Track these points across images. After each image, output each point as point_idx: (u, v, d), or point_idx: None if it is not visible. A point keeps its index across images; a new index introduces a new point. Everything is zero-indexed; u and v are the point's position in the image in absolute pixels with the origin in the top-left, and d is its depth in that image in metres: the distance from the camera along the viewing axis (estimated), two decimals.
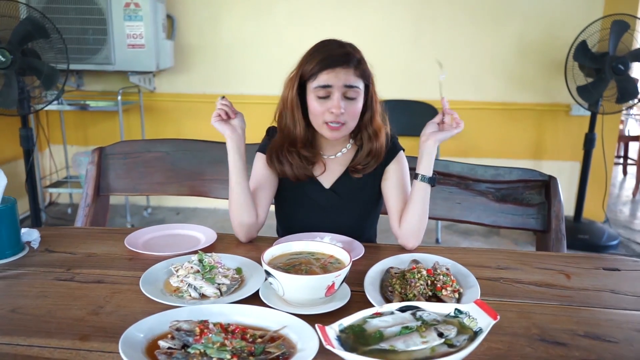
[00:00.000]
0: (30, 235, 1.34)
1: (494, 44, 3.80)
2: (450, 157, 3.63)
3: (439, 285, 1.07)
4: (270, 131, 1.54)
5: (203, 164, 1.94)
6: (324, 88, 1.35)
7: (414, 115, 3.84)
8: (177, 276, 1.09)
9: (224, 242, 1.40)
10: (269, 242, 1.37)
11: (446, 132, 1.38)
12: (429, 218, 1.83)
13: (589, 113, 3.57)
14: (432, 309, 0.93)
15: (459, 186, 1.84)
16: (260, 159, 1.51)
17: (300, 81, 1.40)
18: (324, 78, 1.35)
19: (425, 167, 1.39)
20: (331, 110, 1.36)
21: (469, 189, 1.84)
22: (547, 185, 1.78)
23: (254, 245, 1.39)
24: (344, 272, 1.00)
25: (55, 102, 3.60)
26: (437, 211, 1.82)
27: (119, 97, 3.61)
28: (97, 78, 3.99)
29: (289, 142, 1.45)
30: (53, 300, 1.04)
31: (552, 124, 3.93)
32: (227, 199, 1.74)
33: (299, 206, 1.52)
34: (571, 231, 3.54)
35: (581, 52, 3.36)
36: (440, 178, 1.81)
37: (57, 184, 3.97)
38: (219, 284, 1.07)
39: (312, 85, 1.37)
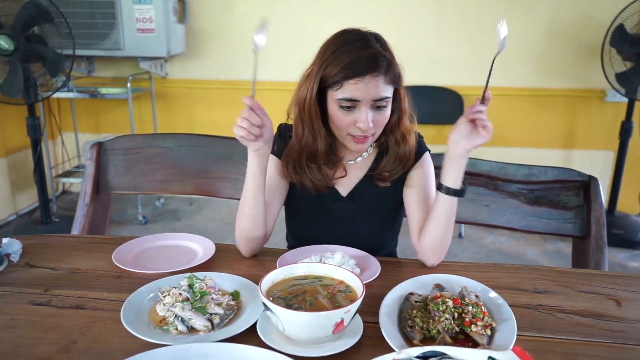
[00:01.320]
0: (11, 246, 1.21)
1: (523, 26, 3.55)
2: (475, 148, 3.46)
3: (467, 320, 0.91)
4: (282, 129, 1.37)
5: (209, 161, 1.79)
6: (350, 101, 1.16)
7: (438, 102, 3.65)
8: (164, 304, 0.95)
9: (224, 256, 1.25)
10: (275, 256, 1.22)
11: (480, 136, 1.14)
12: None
13: (626, 99, 3.32)
14: (460, 356, 0.77)
15: (487, 187, 1.67)
16: (271, 162, 1.32)
17: (320, 85, 1.20)
18: (349, 89, 1.15)
19: (453, 178, 1.18)
20: (358, 124, 1.18)
21: (498, 190, 1.66)
22: (586, 186, 1.60)
23: (257, 261, 1.24)
24: (355, 307, 0.85)
25: (65, 89, 3.49)
26: (462, 214, 1.65)
27: (129, 84, 3.48)
28: (108, 64, 3.86)
29: (308, 156, 1.27)
30: (22, 332, 0.91)
31: (584, 111, 3.68)
32: (235, 198, 1.60)
33: (312, 216, 1.36)
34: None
35: (618, 36, 3.09)
36: (468, 178, 1.65)
37: (69, 173, 3.88)
38: (210, 314, 0.93)
39: (335, 95, 1.18)
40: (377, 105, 1.17)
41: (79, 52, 3.34)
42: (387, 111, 1.21)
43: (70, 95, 3.59)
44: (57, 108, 4.00)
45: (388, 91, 1.18)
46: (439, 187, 1.20)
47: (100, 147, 1.82)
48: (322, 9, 3.58)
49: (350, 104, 1.17)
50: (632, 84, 3.10)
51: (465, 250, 3.28)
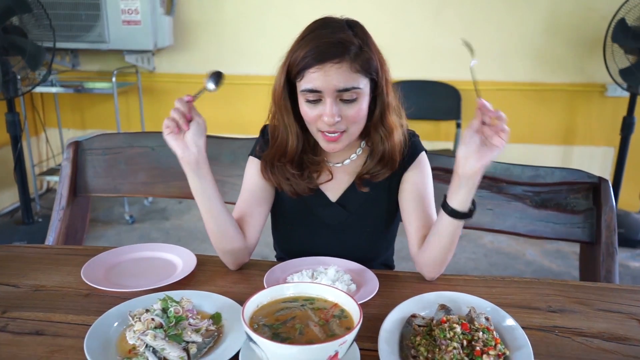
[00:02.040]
0: None
1: (521, 19, 3.45)
2: None
3: (478, 349, 0.80)
4: (265, 130, 1.25)
5: None
6: (312, 92, 1.05)
7: (434, 97, 3.55)
8: (134, 331, 0.83)
9: (206, 269, 1.14)
10: (263, 269, 1.11)
11: (494, 148, 0.97)
12: None
13: (627, 94, 3.23)
14: None
15: (490, 189, 1.57)
16: (252, 165, 1.23)
17: (288, 76, 1.10)
18: (311, 78, 1.03)
19: (461, 200, 1.03)
20: (323, 118, 1.06)
21: (502, 193, 1.56)
22: (596, 188, 1.51)
23: (243, 275, 1.13)
24: (351, 337, 0.74)
25: (49, 83, 3.36)
26: None
27: (114, 78, 3.34)
28: (93, 57, 3.72)
29: (279, 154, 1.16)
30: None
31: (585, 106, 3.59)
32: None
33: (300, 224, 1.24)
34: None
35: (620, 31, 2.99)
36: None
37: (52, 171, 3.74)
38: (187, 343, 0.82)
39: (299, 86, 1.07)
40: (344, 97, 1.05)
41: (62, 45, 3.21)
42: (359, 105, 1.07)
43: (54, 89, 3.46)
44: (40, 103, 3.86)
45: (357, 81, 1.05)
46: (444, 206, 1.06)
47: (77, 146, 1.70)
48: (314, 3, 3.46)
49: (314, 96, 1.05)
50: (636, 78, 3.00)
51: (463, 250, 3.19)
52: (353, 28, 1.07)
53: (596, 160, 3.63)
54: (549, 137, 3.66)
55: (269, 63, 3.77)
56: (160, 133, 1.70)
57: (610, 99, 3.53)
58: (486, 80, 3.56)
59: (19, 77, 2.85)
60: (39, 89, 3.23)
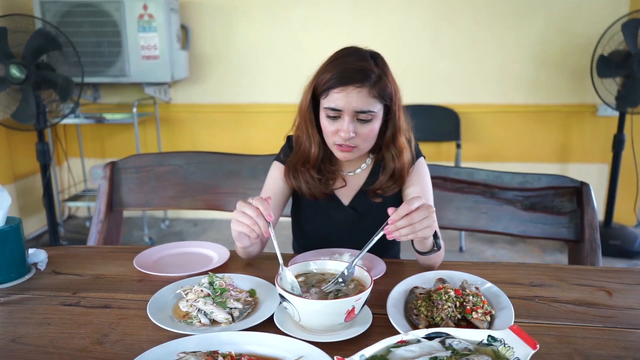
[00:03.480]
0: (37, 256, 1.28)
1: (515, 44, 3.70)
2: (473, 163, 3.55)
3: (468, 307, 0.98)
4: (290, 139, 1.45)
5: (217, 177, 1.87)
6: (333, 110, 1.24)
7: (434, 120, 3.76)
8: (187, 300, 1.02)
9: (238, 261, 1.33)
10: (286, 259, 1.29)
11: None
12: (453, 229, 1.76)
13: (617, 113, 3.43)
14: (462, 335, 0.84)
15: (484, 195, 1.75)
16: (276, 169, 1.43)
17: (314, 93, 1.30)
18: (334, 98, 1.23)
19: (420, 248, 1.18)
20: (340, 133, 1.25)
21: (495, 198, 1.74)
22: (578, 191, 1.68)
23: (270, 265, 1.31)
24: (364, 295, 0.92)
25: (72, 115, 3.59)
26: (461, 221, 1.74)
27: (134, 109, 3.58)
28: (113, 90, 3.98)
29: (302, 161, 1.36)
30: (56, 328, 0.98)
31: (578, 125, 3.79)
32: None
33: (317, 224, 1.44)
34: (602, 237, 3.35)
35: (604, 66, 3.21)
36: (465, 187, 1.73)
37: (75, 198, 3.96)
38: (230, 309, 1.00)
39: (323, 103, 1.27)
40: (360, 117, 1.24)
41: (86, 79, 3.46)
42: (372, 125, 1.26)
43: (77, 121, 3.69)
44: (63, 134, 4.10)
45: (373, 105, 1.23)
46: (412, 245, 1.20)
47: (113, 166, 1.90)
48: (321, 31, 3.72)
49: (334, 114, 1.24)
50: (627, 101, 3.22)
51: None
52: (375, 59, 1.27)
53: (592, 177, 3.81)
54: (546, 155, 3.85)
55: (277, 92, 4.04)
56: (186, 152, 1.92)
57: (601, 118, 3.73)
58: (485, 103, 3.78)
59: (47, 109, 3.09)
60: (63, 121, 3.46)
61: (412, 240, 1.18)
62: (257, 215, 1.02)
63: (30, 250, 1.30)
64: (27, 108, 2.91)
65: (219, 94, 3.96)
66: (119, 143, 4.10)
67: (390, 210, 1.02)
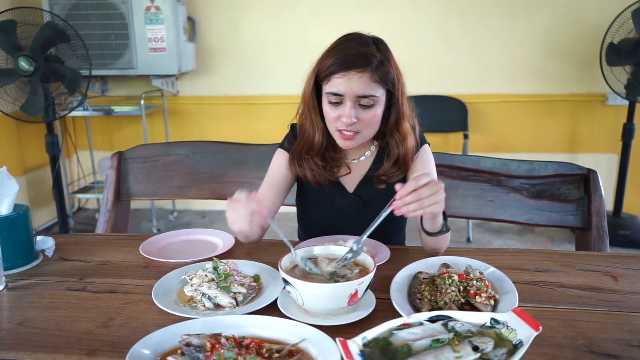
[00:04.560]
0: (45, 243, 1.30)
1: (522, 34, 3.66)
2: (481, 153, 3.52)
3: (472, 292, 0.98)
4: (294, 127, 1.45)
5: (223, 166, 1.88)
6: (335, 95, 1.23)
7: (443, 111, 3.74)
8: (191, 285, 1.03)
9: (242, 247, 1.33)
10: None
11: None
12: (459, 217, 1.75)
13: (626, 102, 3.40)
14: (465, 318, 0.84)
15: (490, 183, 1.74)
16: (280, 156, 1.42)
17: (316, 79, 1.29)
18: (335, 83, 1.22)
19: (429, 227, 1.19)
20: (342, 119, 1.25)
21: (501, 186, 1.73)
22: (586, 179, 1.67)
23: (274, 250, 1.32)
24: (367, 279, 0.93)
25: (81, 108, 3.61)
26: (467, 210, 1.73)
27: (142, 102, 3.60)
28: (121, 83, 4.00)
29: (306, 148, 1.36)
30: (62, 312, 1.00)
31: (587, 115, 3.76)
32: None
33: (322, 211, 1.44)
34: (611, 227, 3.33)
35: (613, 54, 3.17)
36: (471, 175, 1.72)
37: (85, 190, 3.99)
38: (234, 293, 1.01)
39: (325, 89, 1.26)
40: (362, 102, 1.23)
41: (94, 72, 3.47)
42: (374, 111, 1.25)
43: (86, 113, 3.72)
44: (72, 127, 4.13)
45: (375, 90, 1.23)
46: (420, 225, 1.21)
47: (120, 155, 1.91)
48: (328, 22, 3.71)
49: (336, 99, 1.24)
50: (635, 89, 3.18)
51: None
52: (377, 44, 1.27)
53: (601, 167, 3.78)
54: (554, 145, 3.82)
55: (283, 84, 4.04)
56: (193, 142, 1.92)
57: (610, 107, 3.69)
58: (491, 93, 3.75)
59: (56, 102, 3.11)
60: (72, 114, 3.49)
61: (421, 221, 1.18)
62: (251, 212, 0.99)
63: (38, 238, 1.31)
64: (36, 100, 2.93)
65: (226, 86, 3.97)
66: (128, 135, 4.12)
67: (397, 186, 1.01)
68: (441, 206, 1.03)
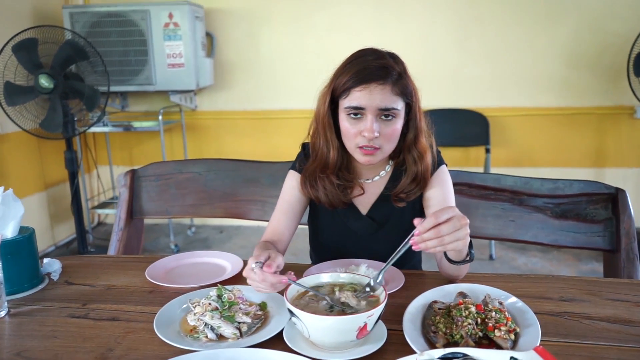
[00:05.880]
0: (52, 266, 1.28)
1: (546, 45, 3.57)
2: (503, 168, 3.44)
3: (490, 325, 0.91)
4: (306, 147, 1.41)
5: (236, 184, 1.85)
6: (356, 109, 1.19)
7: (463, 125, 3.67)
8: (194, 314, 0.98)
9: None
10: (301, 270, 1.25)
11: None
12: (480, 237, 1.68)
13: None
14: (482, 356, 0.78)
15: (512, 202, 1.66)
16: (292, 178, 1.38)
17: (332, 96, 1.25)
18: (356, 96, 1.18)
19: (454, 256, 1.10)
20: (363, 133, 1.19)
21: (523, 205, 1.66)
22: (614, 198, 1.59)
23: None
24: (377, 311, 0.87)
25: (101, 124, 3.65)
26: (488, 230, 1.66)
27: (160, 117, 3.61)
28: (140, 99, 4.03)
29: (321, 167, 1.31)
30: (62, 342, 0.96)
31: (614, 128, 3.64)
32: (263, 220, 1.63)
33: (334, 234, 1.39)
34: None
35: None
36: (492, 194, 1.65)
37: (104, 205, 4.01)
38: (239, 323, 0.96)
39: (343, 104, 1.22)
40: (384, 115, 1.19)
41: (113, 88, 3.51)
42: (395, 125, 1.21)
43: (106, 129, 3.75)
44: (92, 143, 4.17)
45: (396, 103, 1.19)
46: (444, 253, 1.12)
47: (133, 174, 1.90)
48: (345, 37, 3.68)
49: (357, 112, 1.19)
50: None
51: (496, 271, 3.22)
52: (394, 58, 1.23)
53: (629, 182, 3.65)
54: (580, 160, 3.71)
55: (301, 98, 4.01)
56: (206, 159, 1.90)
57: (639, 120, 3.57)
58: (513, 106, 3.67)
59: (75, 118, 3.14)
60: (92, 129, 3.52)
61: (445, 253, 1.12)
62: (272, 285, 0.97)
63: (45, 260, 1.29)
64: (55, 117, 2.96)
65: (245, 100, 3.96)
66: (147, 151, 4.14)
67: (416, 221, 0.95)
68: (465, 243, 0.96)
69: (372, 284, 0.96)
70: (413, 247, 0.95)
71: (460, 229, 0.93)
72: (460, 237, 0.94)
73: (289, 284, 0.95)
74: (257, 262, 0.99)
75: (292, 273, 0.99)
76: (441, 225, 0.93)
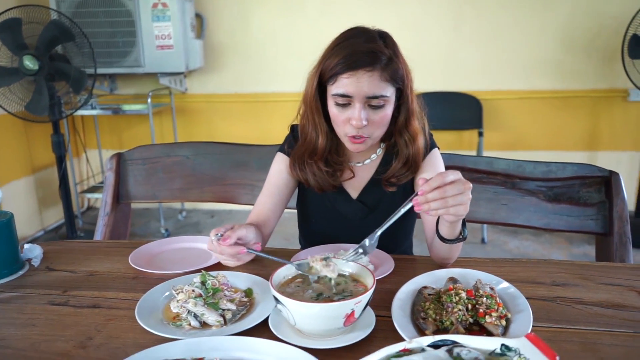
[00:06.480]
0: (32, 252, 1.24)
1: (540, 27, 3.53)
2: (496, 152, 3.42)
3: (481, 311, 0.89)
4: (295, 129, 1.37)
5: (225, 168, 1.81)
6: (343, 97, 1.14)
7: (456, 108, 3.64)
8: (177, 301, 0.96)
9: None
10: (289, 255, 1.22)
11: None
12: (472, 221, 1.65)
13: None
14: (473, 343, 0.76)
15: (504, 185, 1.64)
16: (280, 161, 1.34)
17: (320, 79, 1.20)
18: (343, 84, 1.13)
19: (447, 233, 1.07)
20: (351, 122, 1.15)
21: (516, 188, 1.64)
22: (607, 181, 1.57)
23: (270, 261, 1.24)
24: (365, 298, 0.84)
25: (89, 107, 3.58)
26: (480, 214, 1.63)
27: (149, 100, 3.55)
28: (129, 81, 3.96)
29: (309, 152, 1.27)
30: (40, 330, 0.93)
31: (608, 111, 3.62)
32: (252, 204, 1.60)
33: (324, 218, 1.36)
34: (633, 228, 3.23)
35: (636, 46, 3.03)
36: (484, 177, 1.63)
37: (93, 189, 3.96)
38: (223, 310, 0.93)
39: (331, 90, 1.17)
40: (372, 103, 1.14)
41: (101, 70, 3.44)
42: (385, 111, 1.17)
43: (94, 112, 3.68)
44: (81, 126, 4.10)
45: (385, 89, 1.14)
46: (437, 230, 1.09)
47: (119, 157, 1.85)
48: (338, 19, 3.61)
49: (344, 100, 1.15)
50: None
51: (488, 255, 3.23)
52: (384, 39, 1.17)
53: (622, 165, 3.64)
54: (574, 143, 3.69)
55: (293, 81, 3.94)
56: (194, 143, 1.86)
57: (632, 103, 3.55)
58: (506, 89, 3.63)
59: (62, 101, 3.07)
60: (80, 112, 3.45)
61: (437, 224, 1.09)
62: (230, 255, 1.03)
63: (26, 246, 1.26)
64: (40, 100, 2.90)
65: (236, 83, 3.90)
66: (136, 134, 4.08)
67: (421, 181, 0.92)
68: (466, 209, 0.93)
69: (367, 244, 0.94)
70: (415, 208, 0.93)
71: (464, 192, 0.91)
72: (463, 202, 0.92)
73: (254, 255, 0.96)
74: (216, 235, 1.03)
75: (259, 243, 1.03)
76: (447, 186, 0.90)
